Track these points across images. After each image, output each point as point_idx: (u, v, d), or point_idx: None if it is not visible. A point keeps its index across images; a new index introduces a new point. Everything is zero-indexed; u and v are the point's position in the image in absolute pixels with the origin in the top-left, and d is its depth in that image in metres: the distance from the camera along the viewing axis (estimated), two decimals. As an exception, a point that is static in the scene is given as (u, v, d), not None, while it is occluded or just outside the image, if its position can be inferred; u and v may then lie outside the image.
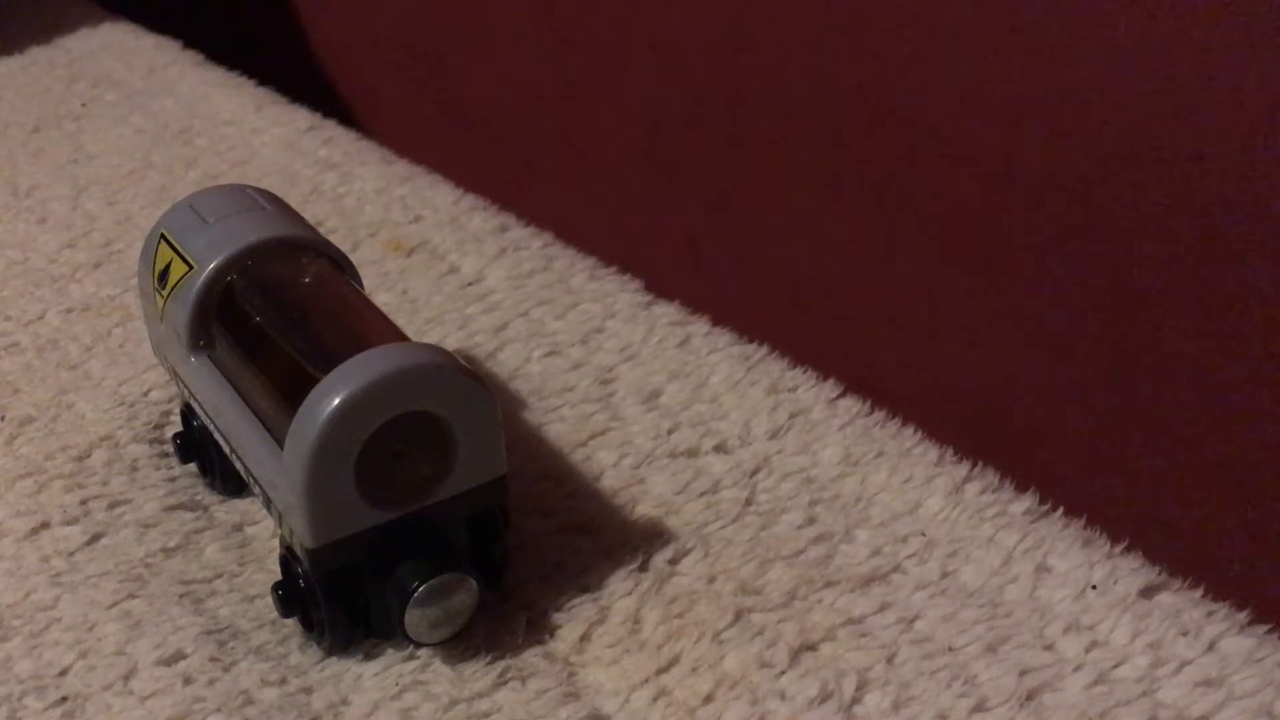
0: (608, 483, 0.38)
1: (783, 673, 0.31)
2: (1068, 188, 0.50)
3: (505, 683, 0.31)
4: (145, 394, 0.43)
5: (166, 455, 0.40)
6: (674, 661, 0.32)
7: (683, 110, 0.64)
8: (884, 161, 0.56)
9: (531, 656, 0.32)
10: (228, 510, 0.38)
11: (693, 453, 0.39)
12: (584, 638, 0.33)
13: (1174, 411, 0.49)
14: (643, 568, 0.35)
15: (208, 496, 0.38)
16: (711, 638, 0.32)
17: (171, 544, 0.37)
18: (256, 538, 0.37)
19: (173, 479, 0.39)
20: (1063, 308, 0.52)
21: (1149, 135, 0.46)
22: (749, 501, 0.37)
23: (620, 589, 0.34)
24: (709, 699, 0.31)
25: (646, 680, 0.31)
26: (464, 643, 0.32)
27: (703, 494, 0.37)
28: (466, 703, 0.31)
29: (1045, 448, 0.54)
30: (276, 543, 0.35)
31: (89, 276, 0.51)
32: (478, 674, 0.32)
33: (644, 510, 0.37)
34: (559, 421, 0.41)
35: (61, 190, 0.58)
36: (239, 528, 0.37)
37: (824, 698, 0.30)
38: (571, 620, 0.33)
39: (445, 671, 0.32)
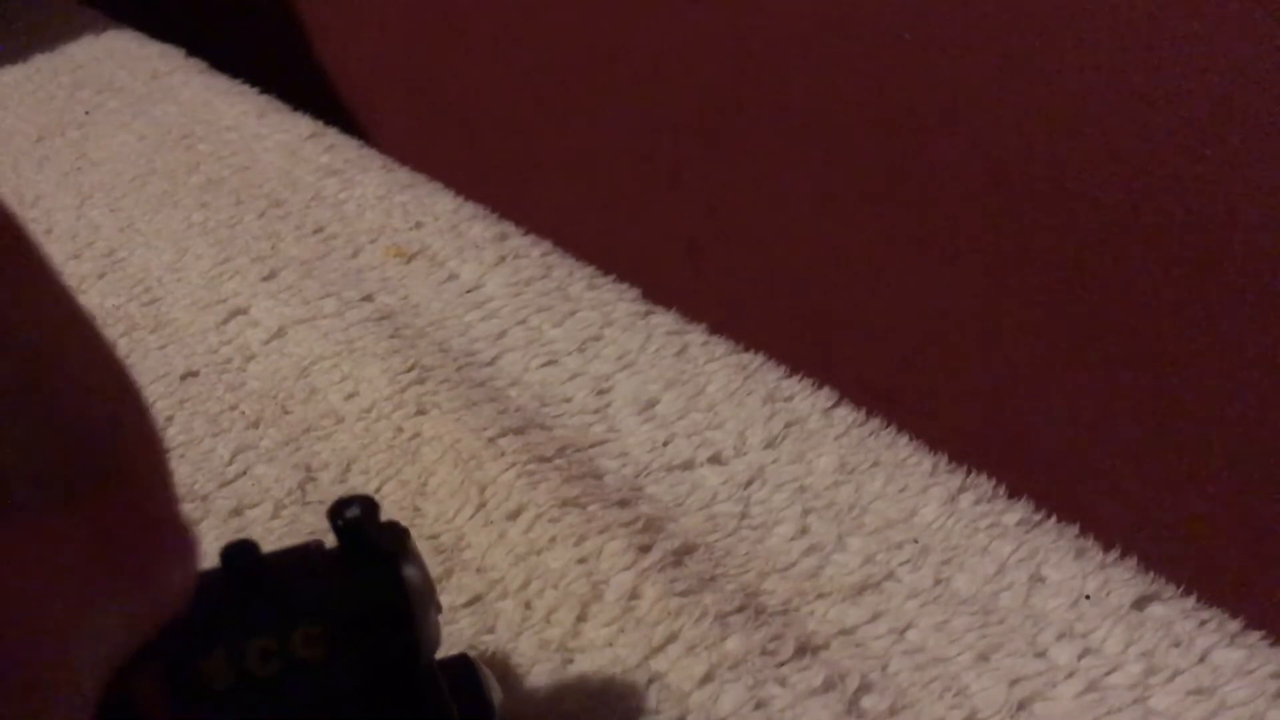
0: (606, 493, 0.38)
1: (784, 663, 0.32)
2: (1065, 195, 0.50)
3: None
4: (150, 405, 0.43)
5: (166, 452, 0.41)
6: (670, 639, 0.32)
7: (682, 120, 0.65)
8: (881, 170, 0.56)
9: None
10: (226, 495, 0.39)
11: (688, 465, 0.39)
12: (580, 618, 0.33)
13: (1168, 422, 0.50)
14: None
15: (205, 484, 0.39)
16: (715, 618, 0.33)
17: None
18: (256, 520, 0.38)
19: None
20: (1060, 318, 0.52)
21: (1148, 139, 0.47)
22: (744, 515, 0.37)
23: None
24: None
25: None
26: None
27: (701, 509, 0.38)
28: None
29: (1039, 457, 0.55)
30: (275, 525, 0.36)
31: (94, 287, 0.51)
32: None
33: (643, 511, 0.37)
34: (558, 429, 0.41)
35: (66, 199, 0.58)
36: (238, 512, 0.38)
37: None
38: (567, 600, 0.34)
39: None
